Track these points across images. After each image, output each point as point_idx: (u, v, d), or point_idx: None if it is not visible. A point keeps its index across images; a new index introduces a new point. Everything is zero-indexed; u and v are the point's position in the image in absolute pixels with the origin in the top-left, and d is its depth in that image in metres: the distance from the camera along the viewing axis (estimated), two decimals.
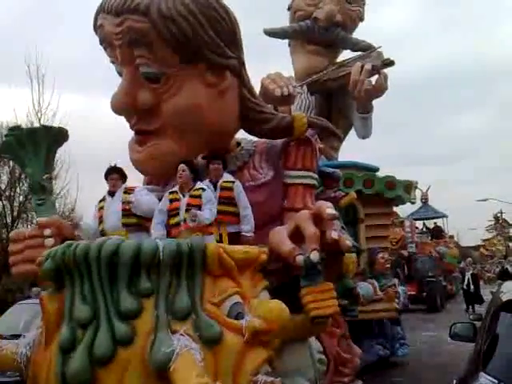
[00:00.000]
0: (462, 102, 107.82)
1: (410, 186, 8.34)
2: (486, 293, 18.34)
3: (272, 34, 9.33)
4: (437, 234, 26.85)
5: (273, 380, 2.93)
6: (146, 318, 2.85)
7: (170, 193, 4.23)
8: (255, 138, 4.87)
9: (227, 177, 4.32)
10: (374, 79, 8.23)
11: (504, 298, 4.42)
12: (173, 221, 4.10)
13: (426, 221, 29.37)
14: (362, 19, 9.34)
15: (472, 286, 18.90)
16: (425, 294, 18.93)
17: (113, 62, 4.37)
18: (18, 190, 19.99)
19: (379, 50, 8.40)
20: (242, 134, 4.92)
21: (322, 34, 8.93)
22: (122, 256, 2.87)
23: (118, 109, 4.26)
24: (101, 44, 4.31)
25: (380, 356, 7.51)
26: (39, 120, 19.48)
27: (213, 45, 4.10)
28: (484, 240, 49.31)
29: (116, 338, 2.77)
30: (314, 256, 3.33)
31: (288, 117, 4.62)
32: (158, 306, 2.88)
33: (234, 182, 4.25)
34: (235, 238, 4.04)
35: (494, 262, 39.85)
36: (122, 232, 4.17)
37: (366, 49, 8.51)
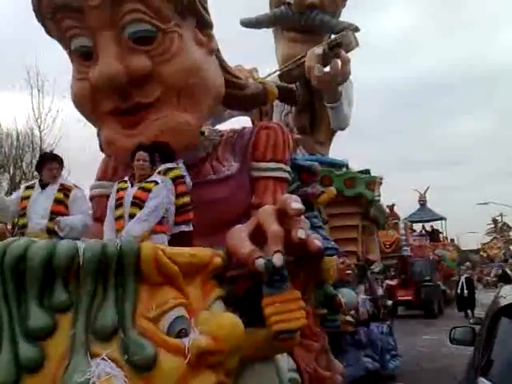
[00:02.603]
0: (461, 107, 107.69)
1: (372, 183, 7.62)
2: (487, 297, 17.86)
3: (247, 24, 8.76)
4: (434, 236, 26.34)
5: None
6: (60, 338, 2.30)
7: (119, 182, 3.65)
8: (222, 127, 4.35)
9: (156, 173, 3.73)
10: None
11: (503, 302, 4.38)
12: (117, 213, 3.51)
13: (425, 223, 28.91)
14: None
15: (466, 291, 18.35)
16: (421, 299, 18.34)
17: (71, 38, 3.78)
18: None
19: (348, 31, 7.65)
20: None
21: (297, 20, 8.31)
22: (31, 261, 2.32)
23: (111, 81, 3.61)
24: (53, 15, 3.70)
25: (368, 369, 6.93)
26: (39, 126, 19.25)
27: None
28: (483, 244, 48.87)
29: (20, 362, 2.22)
30: (277, 259, 2.78)
31: (259, 84, 4.40)
32: (76, 322, 2.33)
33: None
34: None
35: (493, 265, 39.35)
36: (45, 235, 3.54)
37: (352, 31, 7.86)
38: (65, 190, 3.78)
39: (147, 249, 2.50)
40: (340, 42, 7.45)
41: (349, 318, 5.41)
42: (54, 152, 4.01)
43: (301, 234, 2.85)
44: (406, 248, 17.14)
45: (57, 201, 3.70)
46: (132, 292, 2.46)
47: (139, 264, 2.47)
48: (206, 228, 3.69)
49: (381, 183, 7.79)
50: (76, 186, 3.90)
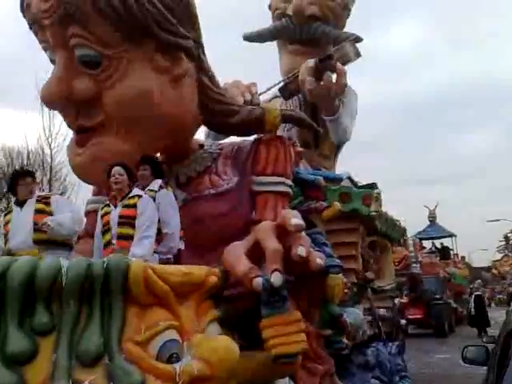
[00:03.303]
0: (470, 121, 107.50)
1: (368, 198, 7.22)
2: (501, 315, 17.54)
3: (249, 38, 8.62)
4: (444, 253, 25.98)
5: None
6: (41, 364, 2.14)
7: (102, 208, 3.54)
8: (221, 141, 4.19)
9: (153, 186, 3.64)
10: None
11: None
12: (105, 239, 3.40)
13: (435, 240, 28.55)
14: (347, 9, 8.55)
15: (473, 310, 18.02)
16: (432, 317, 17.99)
17: (45, 49, 3.75)
18: None
19: (347, 42, 7.43)
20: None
21: (298, 32, 8.08)
22: (11, 280, 2.17)
23: (49, 101, 3.60)
24: (30, 29, 3.70)
25: None
26: (49, 145, 19.39)
27: (163, 21, 3.48)
28: (494, 261, 48.26)
29: None
30: (276, 278, 2.63)
31: (258, 109, 3.97)
32: (59, 346, 2.17)
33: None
34: None
35: (505, 283, 38.79)
36: (34, 251, 3.42)
37: (352, 41, 7.67)
38: (44, 199, 3.67)
39: (136, 267, 2.35)
40: (331, 54, 7.22)
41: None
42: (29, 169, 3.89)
43: (301, 251, 2.69)
44: (415, 265, 16.81)
45: (38, 211, 3.58)
46: (119, 314, 2.30)
47: (127, 284, 2.32)
48: (204, 244, 3.55)
49: (377, 198, 7.45)
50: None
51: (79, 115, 3.71)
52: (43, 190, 19.60)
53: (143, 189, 3.60)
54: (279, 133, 7.50)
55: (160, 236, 3.47)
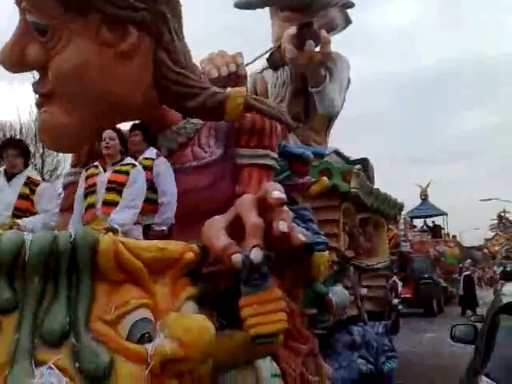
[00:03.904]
0: (466, 102, 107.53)
1: (348, 174, 7.00)
2: (489, 294, 17.70)
3: (240, 6, 8.34)
4: (435, 232, 26.09)
5: None
6: (2, 343, 2.01)
7: (87, 169, 3.42)
8: None
9: (150, 154, 3.51)
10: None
11: (504, 300, 4.50)
12: (88, 201, 3.26)
13: (426, 219, 28.64)
14: None
15: (462, 289, 18.20)
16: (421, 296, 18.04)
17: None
18: None
19: (336, 7, 7.21)
20: None
21: None
22: None
23: (4, 64, 3.41)
24: None
25: (362, 372, 6.56)
26: None
27: None
28: (486, 239, 48.57)
29: None
30: (256, 254, 2.49)
31: (221, 94, 3.54)
32: (21, 325, 2.04)
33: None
34: None
35: (495, 262, 39.07)
36: (5, 226, 3.30)
37: (341, 7, 7.42)
38: (31, 183, 3.53)
39: (106, 241, 2.21)
40: (310, 21, 6.85)
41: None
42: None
43: (282, 226, 2.55)
44: (405, 244, 16.76)
45: (22, 196, 3.48)
46: (87, 291, 2.17)
47: (96, 259, 2.18)
48: (186, 219, 3.41)
49: (358, 174, 7.21)
50: (45, 181, 3.70)
51: (38, 79, 3.53)
52: (35, 165, 19.37)
53: (134, 157, 3.50)
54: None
55: (155, 206, 3.39)
